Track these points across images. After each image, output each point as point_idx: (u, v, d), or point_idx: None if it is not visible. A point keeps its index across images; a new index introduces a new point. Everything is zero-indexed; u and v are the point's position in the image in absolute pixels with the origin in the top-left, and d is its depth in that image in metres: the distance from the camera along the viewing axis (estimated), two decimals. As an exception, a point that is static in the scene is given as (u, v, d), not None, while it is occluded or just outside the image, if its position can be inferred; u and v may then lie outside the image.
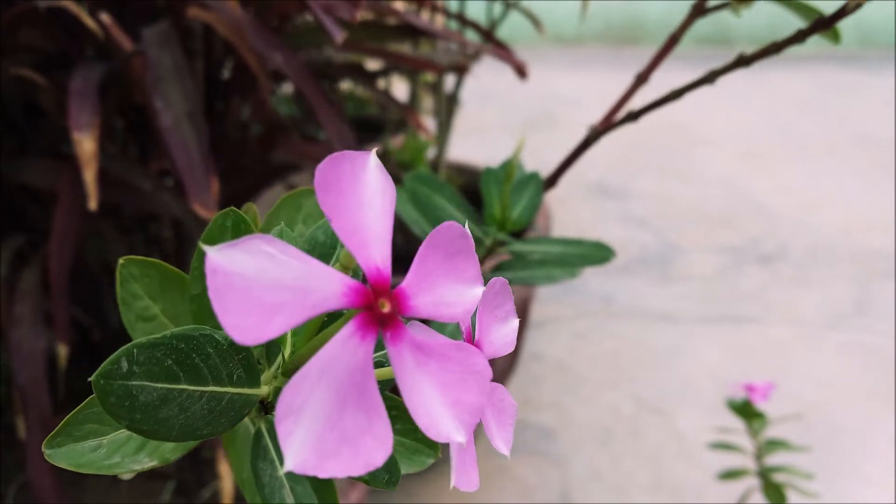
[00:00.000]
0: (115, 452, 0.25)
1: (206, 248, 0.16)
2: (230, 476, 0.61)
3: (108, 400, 0.20)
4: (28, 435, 0.58)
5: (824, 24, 0.43)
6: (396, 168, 1.21)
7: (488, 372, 0.19)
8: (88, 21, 0.59)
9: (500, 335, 0.23)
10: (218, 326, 0.18)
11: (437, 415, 0.18)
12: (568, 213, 1.96)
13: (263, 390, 0.24)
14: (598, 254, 0.51)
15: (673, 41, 0.51)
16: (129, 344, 0.21)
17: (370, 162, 0.20)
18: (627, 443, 1.16)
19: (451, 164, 1.34)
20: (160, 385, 0.21)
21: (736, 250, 1.79)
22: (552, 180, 0.56)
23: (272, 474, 0.25)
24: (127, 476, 0.29)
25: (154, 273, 0.29)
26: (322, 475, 0.16)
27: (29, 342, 0.60)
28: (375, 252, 0.18)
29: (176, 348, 0.21)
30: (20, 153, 0.73)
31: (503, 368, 1.03)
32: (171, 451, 0.26)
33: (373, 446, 0.17)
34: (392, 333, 0.18)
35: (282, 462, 0.26)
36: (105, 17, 0.60)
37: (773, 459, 0.83)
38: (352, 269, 0.20)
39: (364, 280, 0.18)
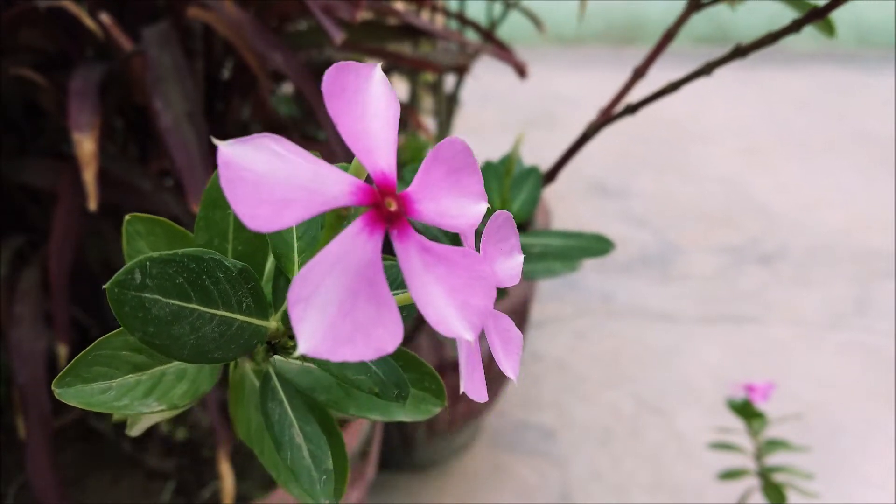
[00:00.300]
0: (125, 395, 0.25)
1: (217, 142, 0.17)
2: (231, 475, 0.61)
3: (122, 309, 0.21)
4: (28, 435, 0.58)
5: (818, 14, 0.43)
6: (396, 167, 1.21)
7: (493, 278, 0.20)
8: (88, 21, 0.59)
9: (506, 267, 0.24)
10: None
11: (446, 313, 0.19)
12: (567, 211, 1.97)
13: (272, 324, 0.25)
14: (598, 246, 0.51)
15: (669, 36, 0.51)
16: (142, 256, 0.21)
17: (375, 74, 0.20)
18: (627, 443, 1.16)
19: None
20: (172, 301, 0.22)
21: (735, 249, 1.79)
22: (551, 174, 0.56)
23: (281, 413, 0.26)
24: (136, 431, 0.29)
25: (159, 231, 0.29)
26: (334, 359, 0.17)
27: (29, 342, 0.60)
28: (381, 158, 0.19)
29: (187, 267, 0.22)
30: (20, 153, 0.73)
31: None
32: (179, 396, 0.26)
33: (384, 335, 0.18)
34: (399, 231, 0.18)
35: (290, 403, 0.27)
36: (105, 17, 0.60)
37: (773, 459, 0.83)
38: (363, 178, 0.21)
39: (371, 183, 0.19)
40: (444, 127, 1.23)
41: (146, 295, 0.21)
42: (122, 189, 0.66)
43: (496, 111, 2.85)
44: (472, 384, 0.21)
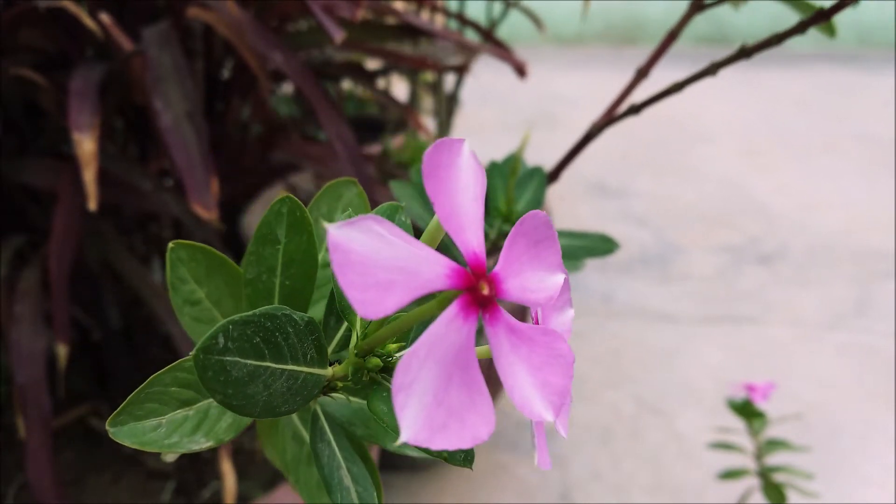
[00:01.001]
0: (174, 432, 0.26)
1: (327, 224, 0.17)
2: (232, 475, 0.61)
3: (206, 374, 0.22)
4: (28, 434, 0.58)
5: (824, 16, 0.43)
6: (396, 168, 1.21)
7: (571, 356, 0.20)
8: (88, 21, 0.59)
9: (559, 323, 0.24)
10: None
11: (529, 395, 0.19)
12: (567, 212, 1.97)
13: (329, 371, 0.25)
14: (603, 246, 0.51)
15: (672, 36, 0.51)
16: (224, 320, 0.22)
17: (464, 148, 0.21)
18: (627, 443, 1.16)
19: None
20: (250, 361, 0.22)
21: (735, 250, 1.79)
22: (554, 174, 0.56)
23: (330, 455, 0.27)
24: (171, 458, 0.29)
25: (201, 258, 0.30)
26: (433, 447, 0.17)
27: (29, 342, 0.60)
28: (472, 236, 0.19)
29: (263, 326, 0.23)
30: (20, 153, 0.73)
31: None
32: (224, 430, 0.27)
33: (478, 421, 0.18)
34: (491, 315, 0.19)
35: (338, 443, 0.27)
36: (105, 17, 0.60)
37: (773, 459, 0.83)
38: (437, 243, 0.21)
39: (464, 264, 0.19)
40: (444, 126, 1.23)
41: (227, 358, 0.22)
42: (122, 189, 0.66)
43: (496, 111, 2.85)
44: (544, 458, 0.21)
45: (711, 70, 0.48)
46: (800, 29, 0.45)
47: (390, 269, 0.17)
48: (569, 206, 2.01)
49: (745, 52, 0.47)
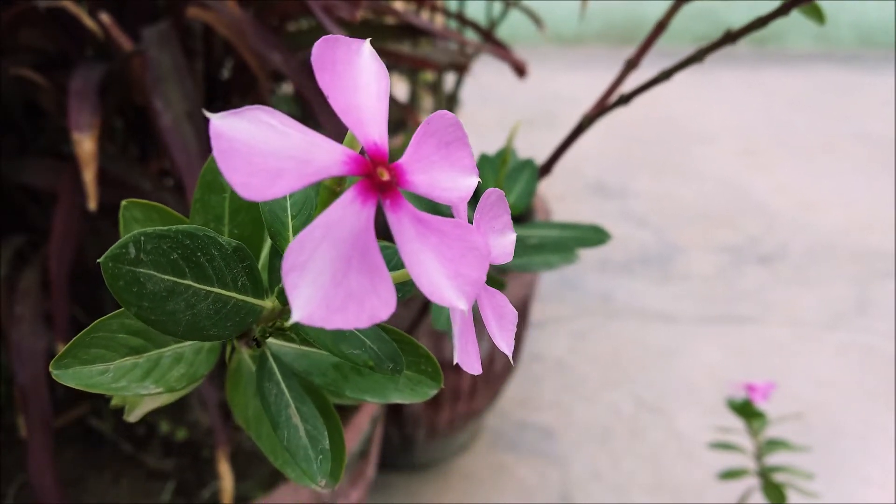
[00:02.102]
0: (122, 377, 0.25)
1: (210, 115, 0.17)
2: (230, 475, 0.61)
3: (117, 284, 0.21)
4: (28, 434, 0.58)
5: None
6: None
7: (486, 249, 0.20)
8: (88, 21, 0.59)
9: (498, 244, 0.24)
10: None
11: (439, 283, 0.19)
12: (567, 212, 1.97)
13: (268, 303, 0.25)
14: (595, 237, 0.51)
15: (660, 27, 0.51)
16: (136, 231, 0.22)
17: (365, 48, 0.21)
18: (627, 443, 1.16)
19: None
20: (167, 277, 0.22)
21: (735, 249, 1.79)
22: (547, 167, 0.56)
23: (278, 394, 0.26)
24: (134, 417, 0.29)
25: (156, 216, 0.30)
26: (329, 326, 0.17)
27: (29, 342, 0.60)
28: (373, 129, 0.19)
29: (181, 243, 0.22)
30: (20, 153, 0.73)
31: (503, 368, 1.03)
32: (176, 379, 0.26)
33: (377, 304, 0.18)
34: (392, 201, 0.19)
35: (287, 383, 0.27)
36: (105, 17, 0.60)
37: (773, 459, 0.83)
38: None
39: (364, 154, 0.19)
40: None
41: (141, 270, 0.21)
42: (122, 189, 0.66)
43: (496, 111, 2.85)
44: (466, 355, 0.21)
45: (698, 56, 0.48)
46: (783, 10, 0.44)
47: (280, 157, 0.17)
48: (568, 206, 2.01)
49: (730, 37, 0.47)
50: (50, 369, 0.24)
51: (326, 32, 0.60)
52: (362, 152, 0.19)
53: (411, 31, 0.82)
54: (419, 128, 0.20)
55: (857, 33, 3.84)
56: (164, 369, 0.26)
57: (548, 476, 1.09)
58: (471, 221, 0.22)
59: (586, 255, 1.68)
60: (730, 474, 0.80)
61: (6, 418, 0.72)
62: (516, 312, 0.24)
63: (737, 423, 0.87)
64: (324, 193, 0.21)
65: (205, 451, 0.74)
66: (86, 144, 0.55)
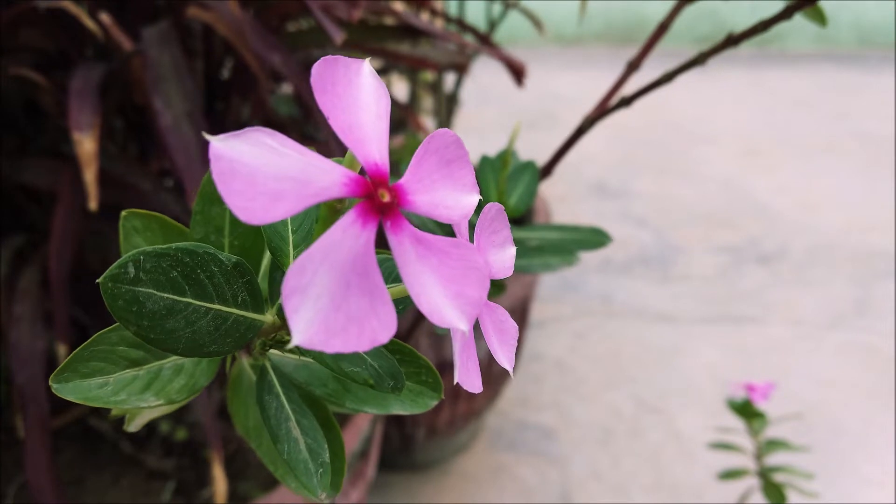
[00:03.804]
0: (122, 390, 0.25)
1: (209, 137, 0.17)
2: (223, 478, 0.61)
3: (116, 303, 0.21)
4: (27, 434, 0.58)
5: (809, 0, 0.43)
6: (395, 166, 1.21)
7: (487, 269, 0.20)
8: (88, 21, 0.59)
9: (498, 259, 0.24)
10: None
11: (440, 304, 0.19)
12: (567, 212, 1.97)
13: (268, 318, 0.25)
14: (595, 239, 0.51)
15: (662, 29, 0.51)
16: (135, 250, 0.21)
17: (364, 68, 0.20)
18: (627, 443, 1.16)
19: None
20: (166, 295, 0.22)
21: (735, 250, 1.79)
22: (548, 168, 0.56)
23: (278, 407, 0.26)
24: (134, 427, 0.29)
25: (156, 226, 0.30)
26: (328, 350, 0.17)
27: (29, 342, 0.60)
28: (373, 149, 0.19)
29: (181, 261, 0.22)
30: (20, 153, 0.73)
31: (503, 369, 1.03)
32: (177, 391, 0.26)
33: (377, 326, 0.18)
34: (392, 223, 0.18)
35: (287, 396, 0.27)
36: (105, 17, 0.60)
37: (773, 459, 0.83)
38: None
39: (364, 174, 0.19)
40: (444, 126, 1.23)
41: (140, 289, 0.21)
42: (122, 189, 0.66)
43: (496, 111, 2.85)
44: (467, 375, 0.21)
45: (699, 59, 0.48)
46: (785, 15, 0.44)
47: (281, 179, 0.17)
48: (569, 207, 2.01)
49: (732, 41, 0.47)
50: (50, 383, 0.24)
51: (326, 32, 0.60)
52: (362, 172, 0.19)
53: (411, 32, 0.82)
54: (420, 146, 0.20)
55: (857, 33, 3.84)
56: (164, 381, 0.26)
57: (548, 476, 1.09)
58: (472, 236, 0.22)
59: (587, 255, 1.68)
60: (730, 474, 0.80)
61: (6, 418, 0.72)
62: (517, 327, 0.24)
63: (737, 423, 0.87)
64: (324, 210, 0.21)
65: (205, 451, 0.74)
66: (86, 144, 0.55)
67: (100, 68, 0.63)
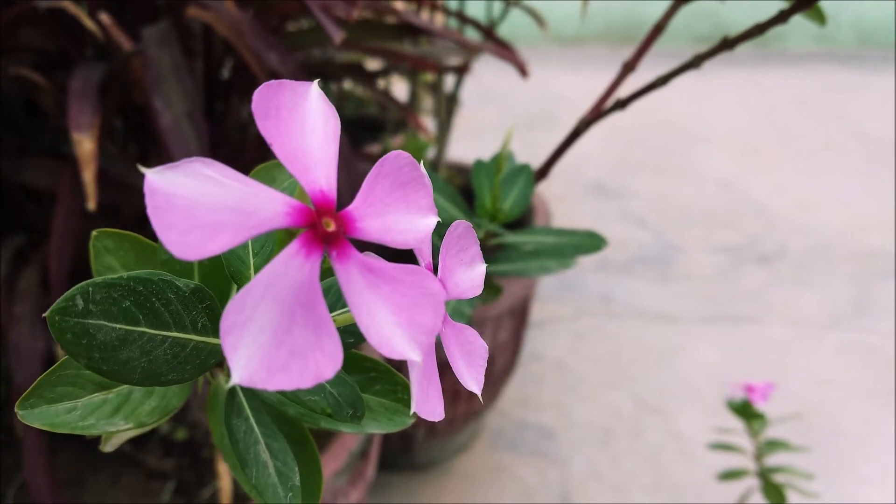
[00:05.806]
0: (90, 415, 0.25)
1: (144, 169, 0.16)
2: (228, 475, 0.61)
3: (65, 337, 0.21)
4: (25, 434, 0.58)
5: (806, 3, 0.43)
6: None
7: (442, 294, 0.19)
8: (88, 21, 0.59)
9: (466, 278, 0.23)
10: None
11: (390, 334, 0.18)
12: (566, 212, 1.97)
13: None
14: (591, 243, 0.51)
15: (658, 30, 0.51)
16: (84, 282, 0.21)
17: (311, 91, 0.20)
18: (627, 443, 1.16)
19: (451, 163, 1.34)
20: (118, 326, 0.21)
21: (735, 250, 1.79)
22: (543, 171, 0.56)
23: (247, 430, 0.25)
24: (109, 447, 0.28)
25: (128, 246, 0.29)
26: (270, 388, 0.16)
27: (28, 342, 0.60)
28: (320, 176, 0.19)
29: (134, 290, 0.21)
30: (20, 153, 0.73)
31: (503, 368, 1.03)
32: (147, 413, 0.26)
33: (322, 361, 0.17)
34: (338, 252, 0.18)
35: (256, 418, 0.26)
36: (105, 17, 0.60)
37: (773, 459, 0.83)
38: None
39: (309, 203, 0.18)
40: (444, 127, 1.23)
41: (90, 321, 0.21)
42: (122, 189, 0.67)
43: (496, 111, 2.84)
44: (425, 403, 0.20)
45: (695, 62, 0.48)
46: (781, 18, 0.44)
47: (218, 210, 0.16)
48: (568, 207, 2.01)
49: (727, 44, 0.47)
50: (16, 410, 0.24)
51: (326, 32, 0.60)
52: (308, 201, 0.18)
53: (411, 31, 0.82)
54: (371, 170, 0.20)
55: (857, 33, 3.84)
56: (134, 404, 0.25)
57: (548, 476, 1.09)
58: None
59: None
60: (729, 475, 0.80)
61: (5, 418, 0.72)
62: (486, 346, 0.23)
63: (737, 423, 0.87)
64: (281, 233, 0.20)
65: (204, 451, 0.74)
66: (86, 144, 0.55)
67: (100, 68, 0.63)
